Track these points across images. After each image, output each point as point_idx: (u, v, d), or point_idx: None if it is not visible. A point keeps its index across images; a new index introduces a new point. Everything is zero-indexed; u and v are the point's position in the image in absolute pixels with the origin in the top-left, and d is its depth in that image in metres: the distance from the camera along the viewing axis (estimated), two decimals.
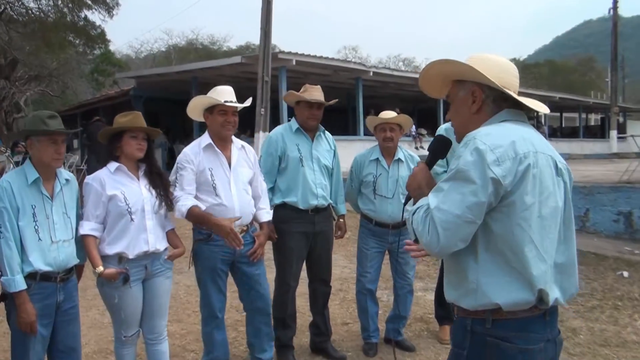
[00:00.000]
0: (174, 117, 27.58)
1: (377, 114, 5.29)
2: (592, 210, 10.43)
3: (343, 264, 8.44)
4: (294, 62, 17.68)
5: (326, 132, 5.20)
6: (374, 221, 5.19)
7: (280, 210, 4.85)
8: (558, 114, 39.44)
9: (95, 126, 13.83)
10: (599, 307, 6.42)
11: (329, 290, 5.30)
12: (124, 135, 3.93)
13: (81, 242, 3.79)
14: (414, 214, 2.22)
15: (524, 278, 2.09)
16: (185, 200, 4.12)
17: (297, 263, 4.98)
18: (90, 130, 14.23)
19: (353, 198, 5.42)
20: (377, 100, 24.56)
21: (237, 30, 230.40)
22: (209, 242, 4.29)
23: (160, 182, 4.08)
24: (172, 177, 4.22)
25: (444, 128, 5.75)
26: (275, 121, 18.34)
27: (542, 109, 2.37)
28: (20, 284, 3.40)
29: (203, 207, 4.16)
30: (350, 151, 5.74)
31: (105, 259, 3.80)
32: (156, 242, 3.96)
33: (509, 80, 2.28)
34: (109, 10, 23.85)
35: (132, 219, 3.84)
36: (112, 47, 44.82)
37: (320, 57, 18.77)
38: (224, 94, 4.30)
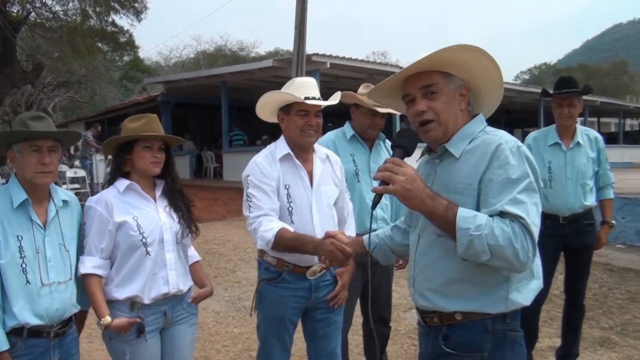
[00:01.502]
0: (202, 122, 27.31)
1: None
2: None
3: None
4: (328, 65, 16.84)
5: (386, 140, 4.37)
6: None
7: None
8: (595, 119, 38.22)
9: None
10: None
11: (388, 332, 4.47)
12: (135, 145, 3.11)
13: (83, 283, 2.99)
14: (484, 229, 2.01)
15: (536, 274, 2.24)
16: (268, 223, 3.13)
17: (351, 299, 4.11)
18: None
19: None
20: None
21: (266, 36, 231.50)
22: (278, 283, 3.35)
23: (183, 202, 3.27)
24: (244, 197, 3.29)
25: (532, 137, 4.93)
26: None
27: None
28: (1, 343, 2.59)
29: (291, 229, 3.19)
30: None
31: (113, 304, 3.00)
32: (179, 280, 3.15)
33: None
34: (137, 14, 23.35)
35: (147, 253, 3.02)
36: (141, 54, 45.00)
37: (356, 60, 18.00)
38: (305, 88, 3.31)
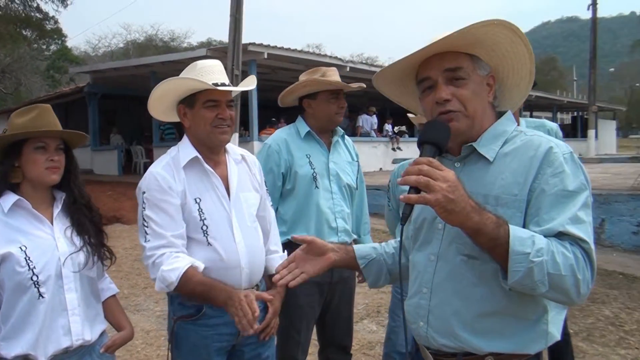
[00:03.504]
0: (132, 115, 26.32)
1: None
2: (609, 221, 9.57)
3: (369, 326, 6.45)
4: (265, 56, 16.22)
5: (345, 136, 3.78)
6: None
7: (285, 251, 3.19)
8: (528, 113, 39.11)
9: None
10: None
11: None
12: (24, 146, 2.38)
13: None
14: (545, 254, 1.64)
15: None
16: (172, 260, 2.52)
17: (307, 327, 3.53)
18: None
19: (392, 225, 3.97)
20: (349, 99, 23.34)
21: (198, 27, 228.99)
22: (198, 321, 2.68)
23: (91, 220, 2.57)
24: (139, 221, 2.63)
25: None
26: (243, 123, 16.96)
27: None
28: None
29: (201, 266, 2.59)
30: None
31: None
32: (84, 328, 2.44)
33: None
34: None
35: (40, 295, 2.30)
36: (69, 44, 43.63)
37: (294, 51, 17.44)
38: (210, 72, 2.65)
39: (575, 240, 1.68)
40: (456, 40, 1.83)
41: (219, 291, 2.49)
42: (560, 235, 1.68)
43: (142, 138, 23.81)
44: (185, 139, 2.76)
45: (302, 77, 3.60)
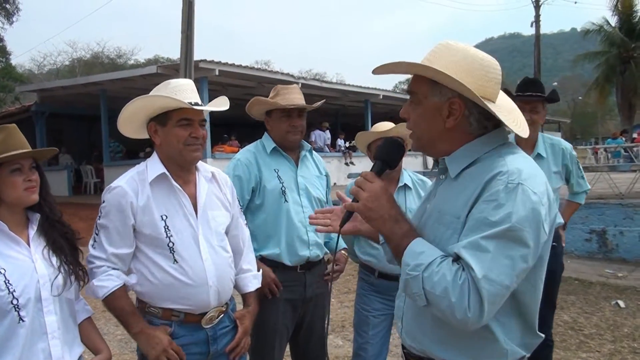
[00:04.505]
0: (80, 134, 25.80)
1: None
2: None
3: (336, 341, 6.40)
4: (216, 72, 16.25)
5: (313, 151, 3.79)
6: (377, 272, 3.76)
7: (259, 270, 3.21)
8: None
9: None
10: (617, 353, 5.47)
11: None
12: None
13: None
14: (424, 271, 1.70)
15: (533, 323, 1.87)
16: (105, 277, 2.59)
17: (280, 346, 3.50)
18: None
19: (348, 242, 3.97)
20: None
21: (145, 43, 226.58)
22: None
23: (65, 237, 2.50)
24: (95, 225, 2.66)
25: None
26: None
27: (524, 132, 1.89)
28: None
29: (133, 282, 2.67)
30: None
31: None
32: (64, 352, 2.35)
33: (494, 89, 1.85)
34: (9, 16, 21.79)
35: (21, 319, 2.21)
36: (13, 61, 42.70)
37: (245, 67, 17.51)
38: (184, 91, 2.63)
39: (466, 266, 1.65)
40: (396, 69, 1.93)
41: (136, 323, 2.60)
42: (457, 258, 1.68)
43: (91, 157, 23.40)
44: (154, 155, 2.73)
45: (271, 93, 3.64)
